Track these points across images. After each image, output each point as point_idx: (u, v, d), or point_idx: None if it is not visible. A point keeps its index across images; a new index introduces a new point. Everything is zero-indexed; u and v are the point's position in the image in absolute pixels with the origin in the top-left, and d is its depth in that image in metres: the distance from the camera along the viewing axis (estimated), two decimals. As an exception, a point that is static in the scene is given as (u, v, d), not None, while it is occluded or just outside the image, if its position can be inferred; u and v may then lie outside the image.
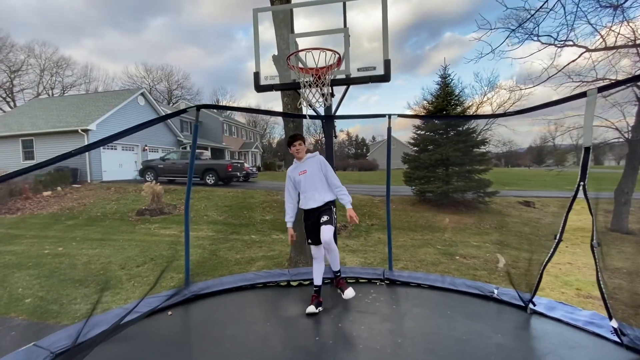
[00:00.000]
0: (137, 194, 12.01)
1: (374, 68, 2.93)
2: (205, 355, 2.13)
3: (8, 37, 33.98)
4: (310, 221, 2.83)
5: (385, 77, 2.90)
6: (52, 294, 5.02)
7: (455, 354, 2.12)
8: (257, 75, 3.12)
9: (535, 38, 10.63)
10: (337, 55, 2.67)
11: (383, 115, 3.34)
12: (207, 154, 22.83)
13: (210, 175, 14.96)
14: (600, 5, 9.35)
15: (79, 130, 14.81)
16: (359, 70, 2.97)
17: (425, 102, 14.79)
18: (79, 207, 10.94)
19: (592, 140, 2.21)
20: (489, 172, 12.29)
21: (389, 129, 3.38)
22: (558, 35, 10.22)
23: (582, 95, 2.29)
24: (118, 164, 16.89)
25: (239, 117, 40.17)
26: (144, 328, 2.46)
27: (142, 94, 19.45)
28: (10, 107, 32.49)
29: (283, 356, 2.10)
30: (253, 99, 63.98)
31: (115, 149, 16.89)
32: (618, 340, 2.16)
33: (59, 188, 13.00)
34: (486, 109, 24.10)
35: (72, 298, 4.84)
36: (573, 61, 10.73)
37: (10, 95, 34.72)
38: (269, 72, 3.19)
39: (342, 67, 3.00)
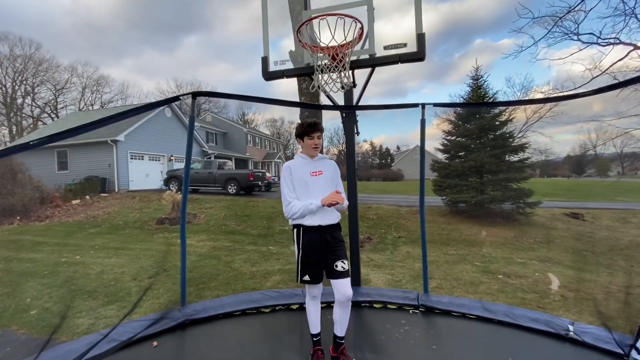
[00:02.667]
0: (159, 203, 12.02)
1: (405, 45, 2.40)
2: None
3: (54, 57, 36.95)
4: (319, 245, 2.00)
5: (419, 54, 2.36)
6: (58, 305, 4.76)
7: None
8: (265, 60, 2.70)
9: (575, 38, 9.73)
10: (359, 25, 2.16)
11: (416, 105, 2.79)
12: (231, 163, 22.99)
13: (232, 184, 14.84)
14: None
15: (109, 141, 15.28)
16: (385, 48, 2.44)
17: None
18: (103, 216, 11.05)
19: None
20: (528, 180, 11.16)
21: (423, 121, 2.81)
22: (601, 34, 9.31)
23: None
24: (145, 174, 17.26)
25: (263, 128, 40.75)
26: (121, 361, 2.01)
27: (169, 106, 19.97)
28: (54, 122, 34.90)
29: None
30: (277, 112, 65.10)
31: (142, 159, 17.30)
32: None
33: (87, 197, 13.33)
34: (519, 116, 22.64)
35: (77, 311, 4.55)
36: (620, 60, 9.75)
37: (54, 111, 37.43)
38: (280, 56, 2.74)
39: (366, 45, 2.49)
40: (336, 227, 2.07)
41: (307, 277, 1.98)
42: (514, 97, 22.55)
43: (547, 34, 8.79)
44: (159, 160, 18.64)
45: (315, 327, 2.07)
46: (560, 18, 8.19)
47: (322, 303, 2.17)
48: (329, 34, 2.22)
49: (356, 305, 2.80)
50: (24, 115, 35.81)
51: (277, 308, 2.69)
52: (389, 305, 2.80)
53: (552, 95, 11.30)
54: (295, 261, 2.04)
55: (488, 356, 2.07)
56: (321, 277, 2.04)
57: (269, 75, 2.69)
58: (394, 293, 2.94)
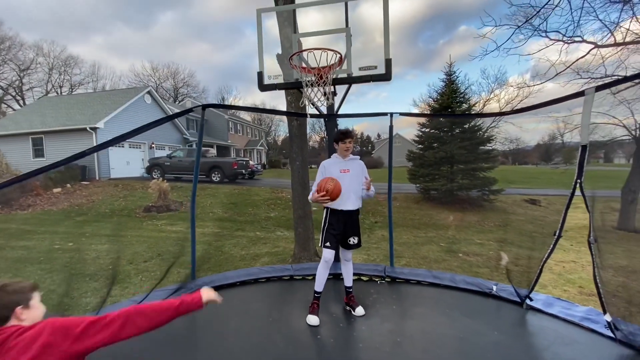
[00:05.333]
0: (144, 191, 12.21)
1: (375, 67, 2.98)
2: (209, 350, 2.21)
3: (17, 35, 34.60)
4: (338, 223, 2.65)
5: (386, 76, 2.94)
6: (63, 287, 5.17)
7: (453, 352, 2.17)
8: (260, 74, 3.19)
9: (544, 34, 10.52)
10: (338, 55, 2.72)
11: (385, 114, 3.39)
12: (213, 151, 23.00)
13: (216, 172, 15.11)
14: (610, 1, 9.23)
15: (87, 129, 15.05)
16: (360, 69, 3.01)
17: (430, 99, 14.75)
18: (88, 204, 11.16)
19: (588, 139, 2.24)
20: (494, 170, 12.24)
21: (391, 127, 3.42)
22: (567, 32, 10.11)
23: (580, 94, 2.32)
24: (125, 162, 17.14)
25: (245, 115, 40.35)
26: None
27: (149, 92, 19.66)
28: (20, 106, 33.08)
29: (285, 353, 2.16)
30: (258, 97, 64.04)
31: (123, 146, 17.11)
32: (612, 335, 2.20)
33: (68, 185, 13.26)
34: (493, 106, 23.86)
35: (82, 292, 4.98)
36: (581, 57, 10.61)
37: (19, 93, 35.33)
38: (273, 70, 3.26)
39: (344, 66, 3.05)
40: (354, 212, 2.73)
41: (328, 244, 2.64)
42: (488, 88, 23.69)
43: (507, 40, 9.58)
44: (140, 147, 18.49)
45: (320, 286, 2.68)
46: (519, 27, 8.97)
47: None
48: (314, 59, 2.77)
49: (336, 276, 3.45)
50: (-14, 97, 33.64)
51: (271, 279, 3.32)
52: (362, 277, 3.47)
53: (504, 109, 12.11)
54: (321, 231, 2.74)
55: (432, 310, 2.79)
56: (337, 246, 2.71)
57: (264, 88, 3.20)
58: (365, 267, 3.62)
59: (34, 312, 1.16)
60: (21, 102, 34.58)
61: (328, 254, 2.63)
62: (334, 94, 3.34)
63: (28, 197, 11.45)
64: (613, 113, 10.01)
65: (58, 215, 9.89)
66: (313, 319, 2.56)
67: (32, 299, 1.18)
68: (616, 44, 9.78)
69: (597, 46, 10.45)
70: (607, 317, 2.28)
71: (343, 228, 2.68)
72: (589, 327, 2.37)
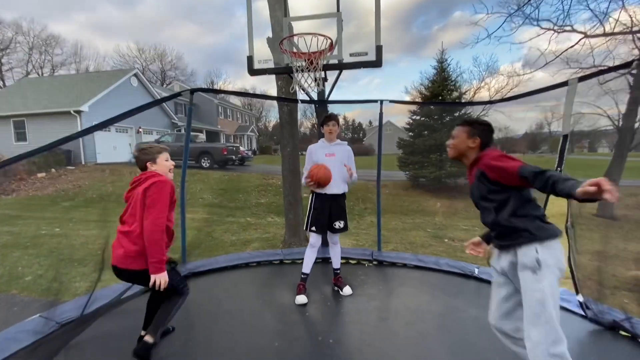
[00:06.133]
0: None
1: (366, 53, 2.97)
2: (202, 331, 2.27)
3: (-7, 12, 32.75)
4: (323, 208, 2.68)
5: (376, 63, 2.95)
6: (51, 272, 5.14)
7: (434, 326, 2.30)
8: (250, 59, 3.15)
9: (535, 23, 10.55)
10: (329, 41, 2.70)
11: (375, 101, 3.41)
12: (202, 136, 22.66)
13: (206, 158, 14.93)
14: (600, -9, 9.30)
15: (71, 112, 14.58)
16: (351, 55, 3.00)
17: (422, 87, 14.74)
18: (74, 189, 10.96)
19: (570, 128, 2.32)
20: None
21: (381, 115, 3.46)
22: (557, 21, 10.17)
23: (564, 84, 2.38)
24: (112, 146, 16.75)
25: (235, 99, 39.60)
26: (143, 303, 2.59)
27: (135, 75, 19.07)
28: (0, 87, 31.68)
29: (276, 332, 2.24)
30: (249, 81, 62.71)
31: (109, 131, 16.69)
32: (583, 313, 2.35)
33: (53, 170, 12.95)
34: (484, 95, 24.03)
35: (71, 276, 4.97)
36: (571, 47, 10.71)
37: (-2, 73, 33.76)
38: (264, 53, 3.21)
39: (335, 52, 3.03)
40: (340, 196, 2.77)
41: (313, 228, 2.70)
42: (479, 76, 23.82)
43: (498, 28, 9.61)
44: (127, 132, 18.07)
45: (306, 268, 2.76)
46: (511, 15, 8.98)
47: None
48: (305, 44, 2.75)
49: (325, 260, 3.54)
50: (-38, 77, 32.08)
51: (262, 263, 3.38)
52: (350, 261, 3.57)
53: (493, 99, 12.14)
54: (306, 215, 2.79)
55: (417, 291, 2.90)
56: (324, 230, 2.75)
57: (254, 73, 3.16)
58: (354, 251, 3.72)
59: (159, 166, 1.88)
60: (0, 83, 33.11)
61: (313, 238, 2.71)
62: (325, 79, 3.33)
63: (11, 181, 11.16)
64: (598, 103, 10.23)
65: (43, 200, 9.71)
66: (300, 299, 2.65)
67: (158, 157, 1.88)
68: (605, 34, 9.90)
69: (586, 36, 10.56)
70: (580, 297, 2.43)
71: (328, 212, 2.72)
72: (562, 305, 2.51)
